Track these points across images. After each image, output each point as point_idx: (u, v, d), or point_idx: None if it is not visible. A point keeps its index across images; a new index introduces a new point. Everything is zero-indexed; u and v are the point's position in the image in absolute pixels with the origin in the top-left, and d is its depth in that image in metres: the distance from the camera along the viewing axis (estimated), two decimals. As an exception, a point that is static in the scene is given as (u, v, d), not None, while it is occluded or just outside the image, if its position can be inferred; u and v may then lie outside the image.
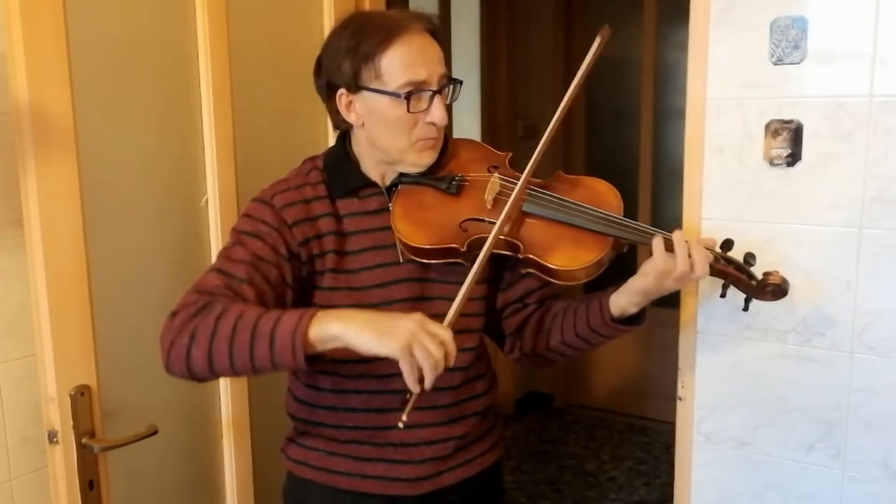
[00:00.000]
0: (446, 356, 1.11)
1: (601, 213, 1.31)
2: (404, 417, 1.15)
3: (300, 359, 1.12)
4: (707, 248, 1.29)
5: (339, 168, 1.37)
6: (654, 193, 4.11)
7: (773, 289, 1.30)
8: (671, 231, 1.30)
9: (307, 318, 1.12)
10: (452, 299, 1.37)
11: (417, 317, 1.12)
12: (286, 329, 1.12)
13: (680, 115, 1.53)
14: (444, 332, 1.13)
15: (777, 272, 1.31)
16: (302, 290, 1.32)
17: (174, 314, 1.21)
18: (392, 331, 1.10)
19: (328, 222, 1.33)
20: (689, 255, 1.26)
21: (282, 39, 1.82)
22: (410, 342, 1.09)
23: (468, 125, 4.06)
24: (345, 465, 1.39)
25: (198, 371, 1.19)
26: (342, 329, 1.12)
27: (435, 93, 1.29)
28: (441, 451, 1.39)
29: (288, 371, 1.45)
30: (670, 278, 1.26)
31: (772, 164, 1.41)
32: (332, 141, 1.60)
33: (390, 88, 1.27)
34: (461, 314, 1.38)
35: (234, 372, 1.18)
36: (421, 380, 1.11)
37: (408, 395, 1.15)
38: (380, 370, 1.34)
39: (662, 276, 1.26)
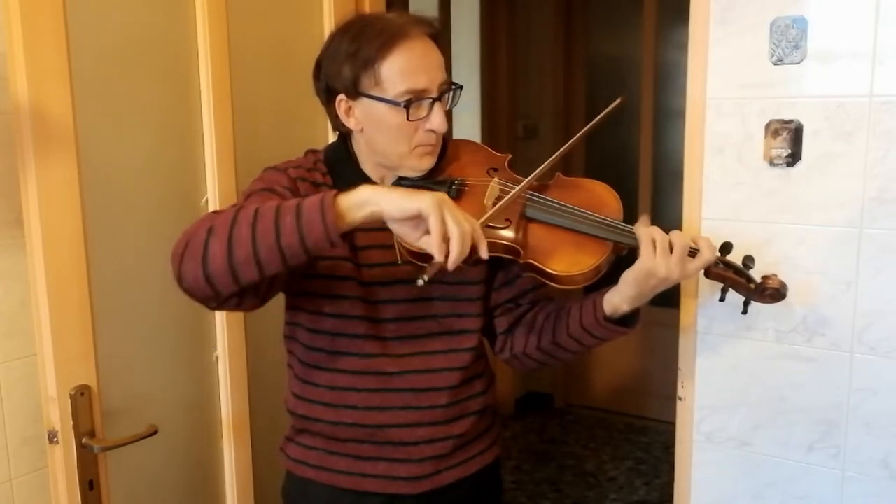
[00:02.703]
0: (474, 242, 1.10)
1: (601, 218, 1.31)
2: (425, 276, 1.12)
3: (331, 223, 1.07)
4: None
5: (340, 166, 1.37)
6: (654, 193, 4.12)
7: (772, 292, 1.30)
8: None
9: (334, 192, 1.10)
10: (453, 300, 1.38)
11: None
12: (314, 199, 1.09)
13: (680, 115, 1.53)
14: (475, 220, 1.12)
15: (775, 276, 1.30)
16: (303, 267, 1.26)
17: (186, 230, 1.16)
18: (423, 193, 1.09)
19: None
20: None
21: (282, 40, 1.82)
22: (442, 202, 1.07)
23: (468, 126, 4.06)
24: (344, 463, 1.39)
25: (214, 271, 1.10)
26: (371, 192, 1.09)
27: (435, 100, 1.28)
28: (440, 450, 1.39)
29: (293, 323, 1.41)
30: (661, 268, 1.25)
31: (772, 164, 1.41)
32: (332, 140, 1.60)
33: (390, 96, 1.26)
34: (458, 315, 1.39)
35: (256, 262, 1.09)
36: (446, 255, 1.08)
37: (429, 264, 1.13)
38: (380, 367, 1.35)
39: (651, 266, 1.25)
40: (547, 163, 1.35)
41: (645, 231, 1.27)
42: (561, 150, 1.36)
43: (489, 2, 4.11)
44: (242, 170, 1.69)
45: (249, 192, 1.29)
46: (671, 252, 1.25)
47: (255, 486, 1.79)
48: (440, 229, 1.07)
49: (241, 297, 1.18)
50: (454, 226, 1.07)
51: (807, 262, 1.41)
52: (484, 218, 1.22)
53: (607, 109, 1.36)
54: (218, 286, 1.13)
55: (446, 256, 1.08)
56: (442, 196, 1.09)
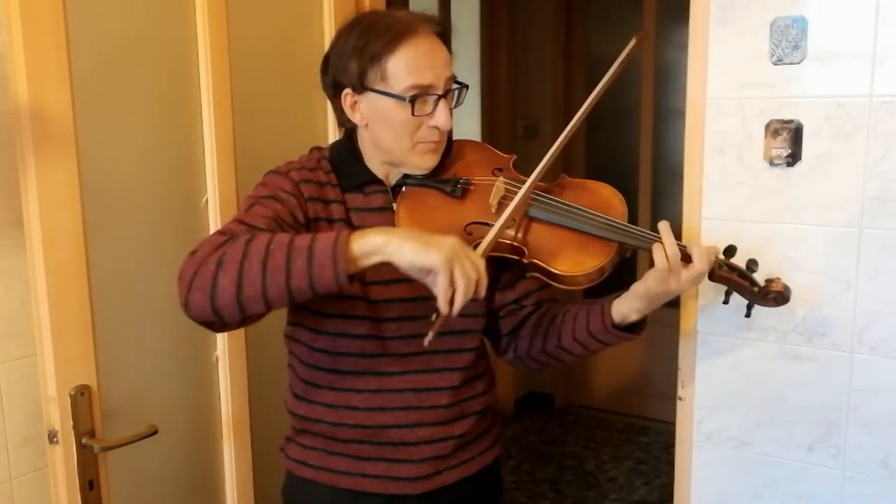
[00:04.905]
0: (478, 283, 1.10)
1: (607, 219, 1.31)
2: (430, 335, 1.14)
3: (342, 271, 1.07)
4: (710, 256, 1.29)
5: (345, 162, 1.37)
6: (654, 193, 4.12)
7: (776, 296, 1.30)
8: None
9: (346, 233, 1.10)
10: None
11: (457, 238, 1.12)
12: (326, 242, 1.09)
13: (680, 115, 1.53)
14: (479, 259, 1.13)
15: (779, 279, 1.31)
16: None
17: (194, 252, 1.14)
18: (436, 243, 1.08)
19: (340, 209, 1.33)
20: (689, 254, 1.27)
21: (282, 39, 1.82)
22: (452, 258, 1.07)
23: (468, 125, 4.06)
24: (344, 464, 1.39)
25: (223, 304, 1.10)
26: (385, 241, 1.09)
27: (440, 97, 1.28)
28: (440, 451, 1.39)
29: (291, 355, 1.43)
30: (672, 280, 1.26)
31: (772, 164, 1.41)
32: (332, 140, 1.60)
33: (395, 91, 1.26)
34: (460, 314, 1.38)
35: (265, 299, 1.10)
36: (451, 303, 1.09)
37: (434, 316, 1.14)
38: (381, 367, 1.35)
39: (664, 276, 1.26)
40: (559, 142, 1.33)
41: (659, 247, 1.26)
42: (576, 118, 1.34)
43: (489, 2, 4.11)
44: (242, 170, 1.69)
45: (253, 200, 1.28)
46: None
47: (255, 486, 1.79)
48: (448, 288, 1.08)
49: (245, 321, 1.19)
50: (461, 280, 1.08)
51: (807, 263, 1.41)
52: (484, 249, 1.21)
53: (626, 49, 1.36)
54: (225, 317, 1.14)
55: (451, 306, 1.09)
56: (455, 248, 1.09)
